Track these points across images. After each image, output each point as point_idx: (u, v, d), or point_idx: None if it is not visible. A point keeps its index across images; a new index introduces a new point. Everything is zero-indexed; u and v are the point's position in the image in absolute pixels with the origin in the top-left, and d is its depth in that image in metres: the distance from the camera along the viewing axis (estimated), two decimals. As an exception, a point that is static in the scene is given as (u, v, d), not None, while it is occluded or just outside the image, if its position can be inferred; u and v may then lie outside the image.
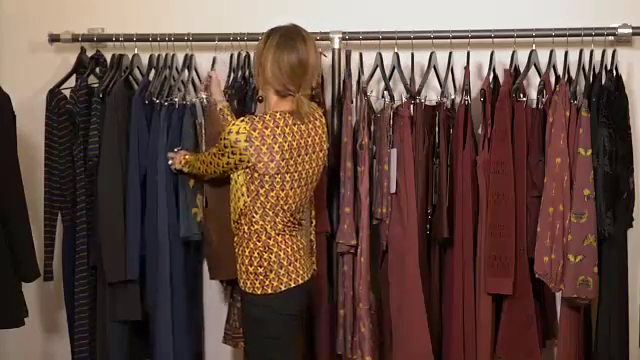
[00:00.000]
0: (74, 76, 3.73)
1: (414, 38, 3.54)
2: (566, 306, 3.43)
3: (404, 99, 3.50)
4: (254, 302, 3.11)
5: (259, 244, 3.10)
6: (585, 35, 3.46)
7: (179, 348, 3.53)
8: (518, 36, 3.50)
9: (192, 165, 3.37)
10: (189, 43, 3.67)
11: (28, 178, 3.61)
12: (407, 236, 3.41)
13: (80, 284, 3.59)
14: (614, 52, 3.47)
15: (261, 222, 3.09)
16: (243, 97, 3.59)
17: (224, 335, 3.65)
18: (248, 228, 3.11)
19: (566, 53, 3.50)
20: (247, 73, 3.63)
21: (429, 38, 3.54)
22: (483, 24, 3.53)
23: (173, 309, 3.51)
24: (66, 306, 3.72)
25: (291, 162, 3.07)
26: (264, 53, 3.07)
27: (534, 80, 3.61)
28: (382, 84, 3.58)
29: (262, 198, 3.07)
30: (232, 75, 3.66)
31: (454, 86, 3.58)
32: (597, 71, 3.48)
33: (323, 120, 3.23)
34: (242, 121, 3.06)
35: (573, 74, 3.51)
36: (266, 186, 3.06)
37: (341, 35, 3.59)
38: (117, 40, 3.72)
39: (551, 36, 3.48)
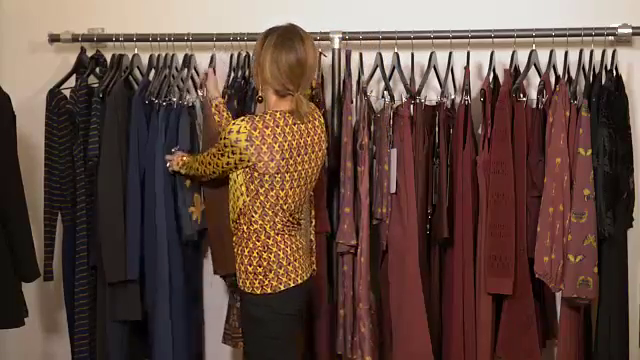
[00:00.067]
0: (74, 76, 3.73)
1: (414, 38, 3.54)
2: (566, 306, 3.43)
3: (404, 99, 3.50)
4: (253, 302, 3.11)
5: (258, 244, 3.10)
6: (585, 35, 3.46)
7: (178, 348, 3.53)
8: (518, 36, 3.50)
9: (190, 166, 3.37)
10: (189, 43, 3.67)
11: (28, 178, 3.61)
12: (407, 236, 3.41)
13: (80, 284, 3.59)
14: (614, 52, 3.47)
15: (260, 222, 3.09)
16: (243, 97, 3.59)
17: (223, 335, 3.65)
18: (247, 228, 3.11)
19: (566, 53, 3.50)
20: (247, 73, 3.63)
21: (429, 38, 3.54)
22: (483, 24, 3.53)
23: (172, 309, 3.51)
24: (66, 306, 3.72)
25: (291, 162, 3.07)
26: (262, 53, 3.08)
27: (534, 80, 3.60)
28: (382, 84, 3.58)
29: (262, 198, 3.07)
30: (232, 75, 3.66)
31: (454, 86, 3.58)
32: (597, 71, 3.48)
33: (322, 120, 3.23)
34: (242, 120, 3.06)
35: (573, 74, 3.51)
36: (266, 185, 3.06)
37: (341, 35, 3.59)
38: (117, 40, 3.72)
39: (551, 36, 3.48)
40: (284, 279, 3.10)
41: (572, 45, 3.49)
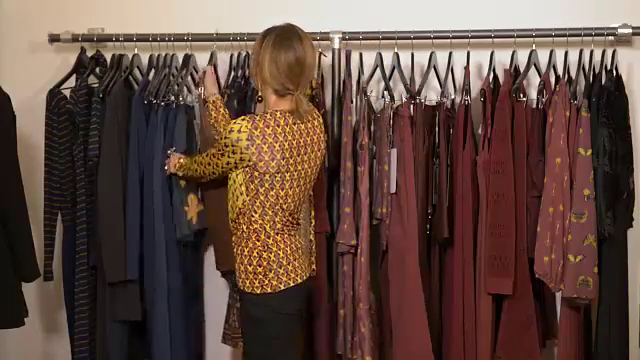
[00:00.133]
0: (74, 76, 3.73)
1: (414, 38, 3.54)
2: (566, 306, 3.43)
3: (404, 99, 3.50)
4: (253, 302, 3.11)
5: (258, 243, 3.10)
6: (585, 35, 3.46)
7: (176, 347, 3.53)
8: (518, 36, 3.50)
9: (188, 168, 3.36)
10: (189, 43, 3.67)
11: (28, 178, 3.61)
12: (407, 236, 3.41)
13: (80, 284, 3.59)
14: (614, 52, 3.47)
15: (260, 221, 3.09)
16: (243, 97, 3.59)
17: (223, 335, 3.65)
18: (247, 227, 3.11)
19: (566, 53, 3.50)
20: (247, 73, 3.63)
21: (429, 38, 3.54)
22: (483, 24, 3.53)
23: (170, 308, 3.51)
24: (66, 306, 3.72)
25: (291, 161, 3.07)
26: (261, 53, 3.08)
27: (534, 80, 3.61)
28: (382, 84, 3.58)
29: (262, 197, 3.07)
30: (232, 74, 3.66)
31: (454, 86, 3.58)
32: (597, 71, 3.48)
33: (320, 120, 3.24)
34: (243, 120, 3.06)
35: (573, 74, 3.51)
36: (266, 185, 3.06)
37: (341, 35, 3.59)
38: (117, 40, 3.72)
39: (551, 36, 3.48)
40: (284, 279, 3.10)
41: (572, 45, 3.49)
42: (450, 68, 3.55)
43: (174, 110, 3.53)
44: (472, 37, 3.51)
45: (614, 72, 3.45)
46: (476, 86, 3.58)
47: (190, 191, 3.49)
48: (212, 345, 3.86)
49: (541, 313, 3.55)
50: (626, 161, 3.42)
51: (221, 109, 3.41)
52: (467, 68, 3.50)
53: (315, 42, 3.27)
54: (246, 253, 3.11)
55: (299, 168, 3.10)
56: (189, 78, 3.71)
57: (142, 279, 3.53)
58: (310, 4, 3.76)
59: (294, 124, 3.09)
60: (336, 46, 3.60)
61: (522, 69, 3.53)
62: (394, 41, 3.56)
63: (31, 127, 3.81)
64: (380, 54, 3.57)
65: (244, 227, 3.11)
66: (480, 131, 3.48)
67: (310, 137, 3.14)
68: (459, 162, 3.43)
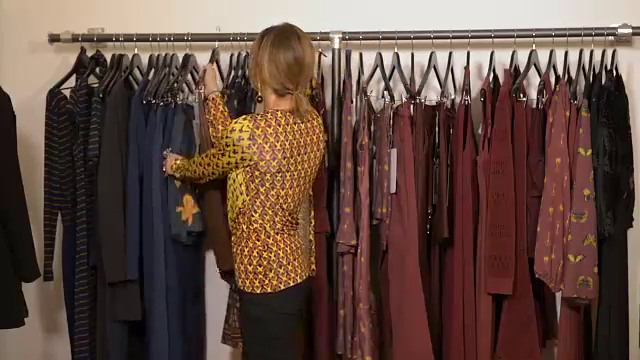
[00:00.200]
0: (74, 76, 3.73)
1: (414, 38, 3.54)
2: (566, 306, 3.43)
3: (404, 99, 3.50)
4: (253, 301, 3.11)
5: (258, 243, 3.10)
6: (585, 35, 3.46)
7: (175, 346, 3.53)
8: (518, 36, 3.50)
9: (186, 169, 3.35)
10: (189, 43, 3.67)
11: (28, 178, 3.61)
12: (407, 236, 3.41)
13: (80, 284, 3.59)
14: (614, 52, 3.47)
15: (260, 221, 3.09)
16: (243, 97, 3.59)
17: (223, 335, 3.64)
18: (247, 227, 3.11)
19: (566, 53, 3.50)
20: (247, 73, 3.63)
21: (429, 38, 3.54)
22: (483, 24, 3.53)
23: (169, 307, 3.51)
24: (66, 306, 3.72)
25: (291, 161, 3.07)
26: (260, 53, 3.08)
27: (534, 80, 3.61)
28: (382, 84, 3.58)
29: (262, 197, 3.07)
30: (232, 74, 3.66)
31: (454, 86, 3.58)
32: (597, 71, 3.48)
33: (320, 120, 3.24)
34: (245, 119, 3.06)
35: (573, 74, 3.51)
36: (267, 185, 3.06)
37: (341, 35, 3.59)
38: (117, 40, 3.72)
39: (551, 36, 3.48)
40: (284, 278, 3.10)
41: (572, 45, 3.49)
42: (450, 68, 3.55)
43: (172, 110, 3.53)
44: (472, 37, 3.51)
45: (614, 72, 3.45)
46: (476, 86, 3.58)
47: (186, 192, 3.48)
48: (212, 345, 3.86)
49: (541, 313, 3.55)
50: (626, 161, 3.42)
51: (220, 107, 3.40)
52: (467, 68, 3.50)
53: (315, 42, 3.28)
54: (246, 253, 3.11)
55: (299, 168, 3.11)
56: (189, 77, 3.71)
57: (141, 278, 3.53)
58: (310, 4, 3.76)
59: (294, 124, 3.09)
60: (336, 46, 3.60)
61: (522, 69, 3.53)
62: (394, 41, 3.56)
63: (31, 127, 3.81)
64: (380, 54, 3.57)
65: (244, 227, 3.11)
66: (480, 131, 3.48)
67: (310, 137, 3.14)
68: (459, 162, 3.43)
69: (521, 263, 3.40)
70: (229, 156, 3.08)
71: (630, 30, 3.47)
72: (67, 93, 3.67)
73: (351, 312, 3.52)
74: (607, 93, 3.39)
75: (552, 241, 3.35)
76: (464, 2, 3.70)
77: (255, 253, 3.10)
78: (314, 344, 3.58)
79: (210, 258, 3.76)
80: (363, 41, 3.60)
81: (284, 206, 3.10)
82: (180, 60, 3.68)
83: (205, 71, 3.49)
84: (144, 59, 3.74)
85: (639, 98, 3.61)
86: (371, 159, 3.52)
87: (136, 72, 3.75)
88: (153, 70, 3.68)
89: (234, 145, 3.05)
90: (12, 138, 3.51)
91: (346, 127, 3.50)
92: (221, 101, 3.41)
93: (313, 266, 3.41)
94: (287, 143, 3.06)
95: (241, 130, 3.03)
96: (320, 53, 3.50)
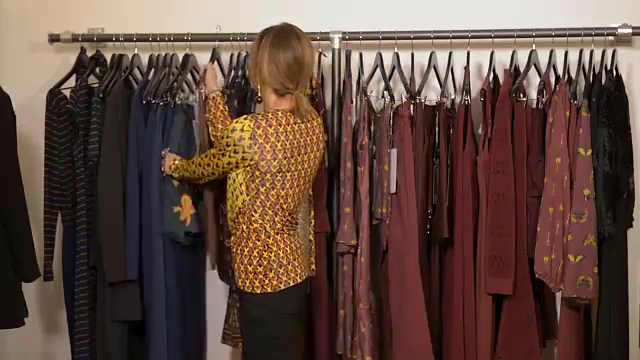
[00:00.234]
0: (74, 76, 3.73)
1: (414, 38, 3.54)
2: (566, 306, 3.43)
3: (404, 99, 3.50)
4: (253, 301, 3.11)
5: (258, 243, 3.10)
6: (585, 35, 3.46)
7: (174, 346, 3.53)
8: (518, 36, 3.50)
9: (184, 169, 3.35)
10: (189, 43, 3.67)
11: (28, 178, 3.61)
12: (407, 236, 3.41)
13: (80, 284, 3.59)
14: (614, 52, 3.47)
15: (260, 221, 3.09)
16: (243, 97, 3.58)
17: (223, 335, 3.64)
18: (247, 227, 3.11)
19: (566, 53, 3.50)
20: (247, 73, 3.63)
21: (429, 38, 3.54)
22: (483, 24, 3.53)
23: (168, 308, 3.51)
24: (66, 306, 3.72)
25: (292, 161, 3.07)
26: (259, 53, 3.08)
27: (534, 80, 3.61)
28: (382, 84, 3.58)
29: (262, 197, 3.07)
30: (232, 74, 3.66)
31: (454, 86, 3.58)
32: (597, 71, 3.48)
33: (319, 120, 3.24)
34: (245, 119, 3.06)
35: (573, 74, 3.51)
36: (267, 184, 3.06)
37: (341, 35, 3.59)
38: (117, 40, 3.72)
39: (551, 36, 3.48)
40: (284, 278, 3.09)
41: (572, 45, 3.49)
42: (450, 68, 3.55)
43: (172, 110, 3.53)
44: (472, 37, 3.51)
45: (614, 72, 3.45)
46: (476, 86, 3.58)
47: (184, 192, 3.47)
48: (212, 345, 3.86)
49: (541, 313, 3.55)
50: (626, 161, 3.42)
51: (220, 106, 3.39)
52: (467, 68, 3.50)
53: (315, 42, 3.28)
54: (246, 253, 3.11)
55: (299, 168, 3.11)
56: (189, 76, 3.71)
57: (141, 278, 3.53)
58: (310, 4, 3.76)
59: (295, 124, 3.09)
60: (336, 46, 3.60)
61: (522, 69, 3.53)
62: (394, 41, 3.56)
63: (31, 127, 3.81)
64: (380, 54, 3.57)
65: (244, 227, 3.11)
66: (480, 131, 3.48)
67: (310, 137, 3.14)
68: (459, 162, 3.43)
69: (521, 263, 3.40)
70: (230, 156, 3.08)
71: (630, 30, 3.47)
72: (67, 93, 3.67)
73: (351, 312, 3.52)
74: (607, 93, 3.39)
75: (552, 241, 3.35)
76: (464, 2, 3.70)
77: (255, 253, 3.10)
78: (314, 344, 3.58)
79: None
80: (363, 41, 3.60)
81: (284, 206, 3.10)
82: (180, 60, 3.69)
83: (206, 70, 3.49)
84: (144, 59, 3.74)
85: (639, 98, 3.61)
86: (371, 159, 3.52)
87: (136, 72, 3.75)
88: (153, 70, 3.68)
89: (235, 145, 3.05)
90: (12, 138, 3.51)
91: (346, 127, 3.50)
92: (221, 100, 3.41)
93: (313, 266, 3.41)
94: (287, 143, 3.06)
95: (242, 130, 3.03)
96: (320, 53, 3.50)
